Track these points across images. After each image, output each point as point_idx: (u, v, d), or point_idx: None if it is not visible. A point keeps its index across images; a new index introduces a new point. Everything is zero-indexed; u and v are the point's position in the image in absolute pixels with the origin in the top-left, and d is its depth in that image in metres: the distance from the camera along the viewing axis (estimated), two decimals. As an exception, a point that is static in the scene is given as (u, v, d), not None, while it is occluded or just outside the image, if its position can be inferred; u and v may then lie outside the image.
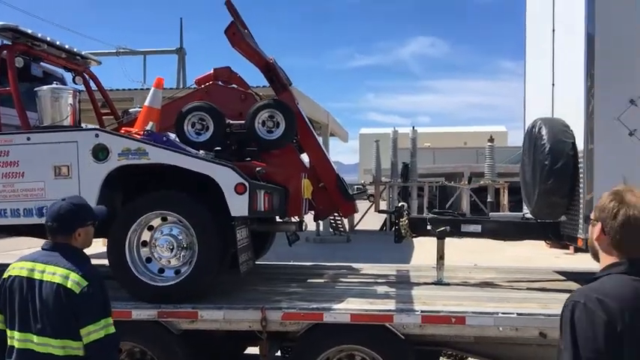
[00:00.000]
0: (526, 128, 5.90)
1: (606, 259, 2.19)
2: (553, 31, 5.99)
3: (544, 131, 5.37)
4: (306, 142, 6.22)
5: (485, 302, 5.12)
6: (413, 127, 25.71)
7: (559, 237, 5.72)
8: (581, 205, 5.07)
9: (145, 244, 5.23)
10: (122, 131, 5.54)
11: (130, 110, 6.88)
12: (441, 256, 6.11)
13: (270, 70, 5.98)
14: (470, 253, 12.16)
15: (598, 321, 1.98)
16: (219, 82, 6.28)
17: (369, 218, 22.73)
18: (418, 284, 6.07)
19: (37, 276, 3.02)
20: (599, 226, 2.17)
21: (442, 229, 5.91)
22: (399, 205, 6.20)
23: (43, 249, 3.14)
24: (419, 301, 5.14)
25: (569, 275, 6.75)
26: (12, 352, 3.06)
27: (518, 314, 4.67)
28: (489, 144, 25.31)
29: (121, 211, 5.29)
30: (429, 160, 44.34)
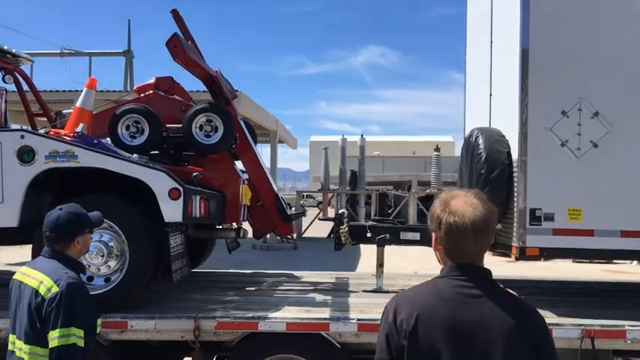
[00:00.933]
0: (464, 137, 5.97)
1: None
2: (491, 43, 6.09)
3: (480, 140, 5.44)
4: (245, 159, 6.13)
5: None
6: (361, 136, 25.94)
7: (494, 245, 5.80)
8: (515, 214, 5.14)
9: (73, 250, 5.01)
10: (52, 133, 5.32)
11: (64, 112, 6.62)
12: (380, 264, 6.10)
13: (213, 82, 5.86)
14: (413, 262, 12.28)
15: (387, 321, 2.04)
16: (160, 92, 6.11)
17: (318, 225, 22.72)
18: (357, 292, 6.04)
19: (25, 281, 3.10)
20: (434, 236, 2.13)
21: (381, 236, 5.90)
22: (340, 212, 6.17)
23: (42, 256, 3.22)
24: (356, 309, 5.11)
25: (507, 283, 6.86)
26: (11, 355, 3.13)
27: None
28: (435, 153, 25.74)
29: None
30: (378, 169, 44.88)
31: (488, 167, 5.28)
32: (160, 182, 4.80)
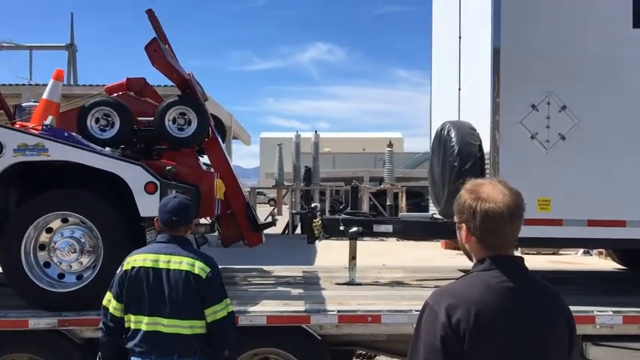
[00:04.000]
0: (435, 130, 6.08)
1: (475, 259, 2.14)
2: (460, 37, 6.23)
3: (453, 134, 5.56)
4: (212, 155, 6.04)
5: (398, 301, 5.21)
6: (315, 132, 25.90)
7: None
8: (488, 205, 5.27)
9: (42, 247, 4.85)
10: (18, 127, 5.13)
11: (24, 105, 6.37)
12: (353, 257, 6.15)
13: (187, 87, 5.75)
14: (373, 256, 12.39)
15: (438, 322, 1.96)
16: (131, 93, 5.96)
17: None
18: (330, 285, 6.07)
19: (162, 265, 3.41)
20: (464, 227, 2.10)
21: (355, 229, 5.95)
22: (313, 205, 6.20)
23: (159, 242, 3.52)
24: (333, 301, 5.14)
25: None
26: (135, 334, 3.42)
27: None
28: (388, 149, 25.98)
29: (16, 211, 4.88)
30: (329, 165, 44.95)
31: (461, 160, 5.40)
32: (135, 176, 4.70)
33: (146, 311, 3.44)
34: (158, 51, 5.15)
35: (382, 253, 12.30)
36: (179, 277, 3.40)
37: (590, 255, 15.62)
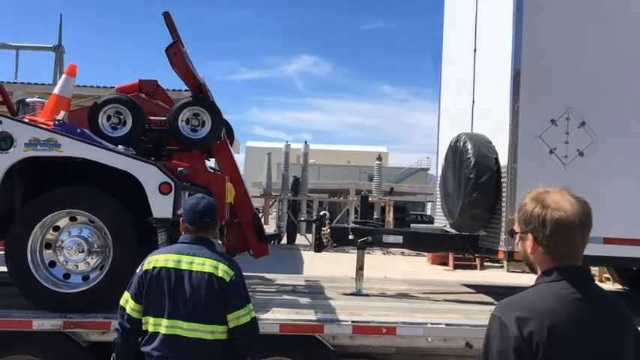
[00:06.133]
0: (448, 142, 6.02)
1: (541, 270, 2.07)
2: (475, 50, 6.21)
3: (469, 146, 5.51)
4: (221, 159, 5.94)
5: (411, 313, 5.12)
6: (305, 142, 25.92)
7: (477, 250, 5.88)
8: (504, 219, 5.23)
9: (48, 245, 4.69)
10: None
11: (27, 100, 6.23)
12: (360, 267, 6.08)
13: (202, 92, 5.64)
14: (351, 268, 12.16)
15: (509, 335, 1.89)
16: (143, 95, 5.84)
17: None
18: (337, 295, 5.98)
19: (184, 267, 3.25)
20: (530, 237, 2.03)
21: (364, 239, 5.86)
22: (321, 214, 6.10)
23: (183, 242, 3.34)
24: (345, 311, 5.03)
25: (476, 288, 7.00)
26: (153, 338, 3.25)
27: (446, 325, 4.70)
28: (377, 162, 26.07)
29: (24, 208, 4.72)
30: (314, 176, 44.97)
31: (478, 172, 5.35)
32: (150, 176, 4.57)
33: (166, 314, 3.28)
34: (178, 54, 5.07)
35: (367, 266, 12.13)
36: (202, 279, 3.24)
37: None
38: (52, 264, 4.69)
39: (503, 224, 5.23)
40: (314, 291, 6.19)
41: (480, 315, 5.00)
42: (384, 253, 19.62)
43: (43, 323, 4.41)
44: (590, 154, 5.16)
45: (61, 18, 37.47)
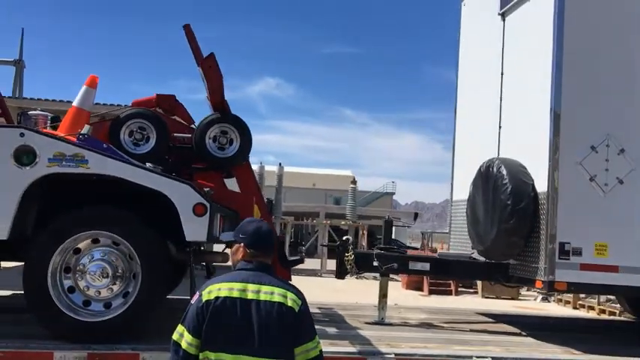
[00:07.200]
0: (479, 167, 5.83)
1: None
2: (502, 74, 6.10)
3: (504, 171, 5.35)
4: (249, 190, 5.56)
5: (446, 344, 4.92)
6: (279, 164, 25.40)
7: (507, 278, 5.71)
8: (542, 248, 5.07)
9: (67, 270, 4.32)
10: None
11: (30, 113, 5.84)
12: (384, 295, 5.85)
13: (224, 108, 5.33)
14: (337, 292, 11.85)
15: None
16: (160, 110, 5.51)
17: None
18: (360, 324, 5.73)
19: (250, 296, 2.91)
20: None
21: (390, 265, 5.64)
22: (344, 238, 5.85)
23: (246, 269, 2.99)
24: (382, 342, 4.80)
25: (492, 317, 6.87)
26: None
27: (492, 358, 4.49)
28: (352, 186, 25.89)
29: (47, 229, 4.33)
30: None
31: (515, 198, 5.19)
32: (183, 196, 4.27)
33: (230, 348, 2.93)
34: (214, 67, 4.81)
35: (346, 290, 11.81)
36: (271, 309, 2.93)
37: (549, 302, 15.84)
38: (71, 289, 4.32)
39: (542, 253, 5.07)
40: (335, 319, 5.94)
41: (519, 348, 4.85)
42: (356, 278, 19.34)
43: (65, 355, 4.03)
44: (630, 182, 5.09)
45: (23, 32, 36.47)
